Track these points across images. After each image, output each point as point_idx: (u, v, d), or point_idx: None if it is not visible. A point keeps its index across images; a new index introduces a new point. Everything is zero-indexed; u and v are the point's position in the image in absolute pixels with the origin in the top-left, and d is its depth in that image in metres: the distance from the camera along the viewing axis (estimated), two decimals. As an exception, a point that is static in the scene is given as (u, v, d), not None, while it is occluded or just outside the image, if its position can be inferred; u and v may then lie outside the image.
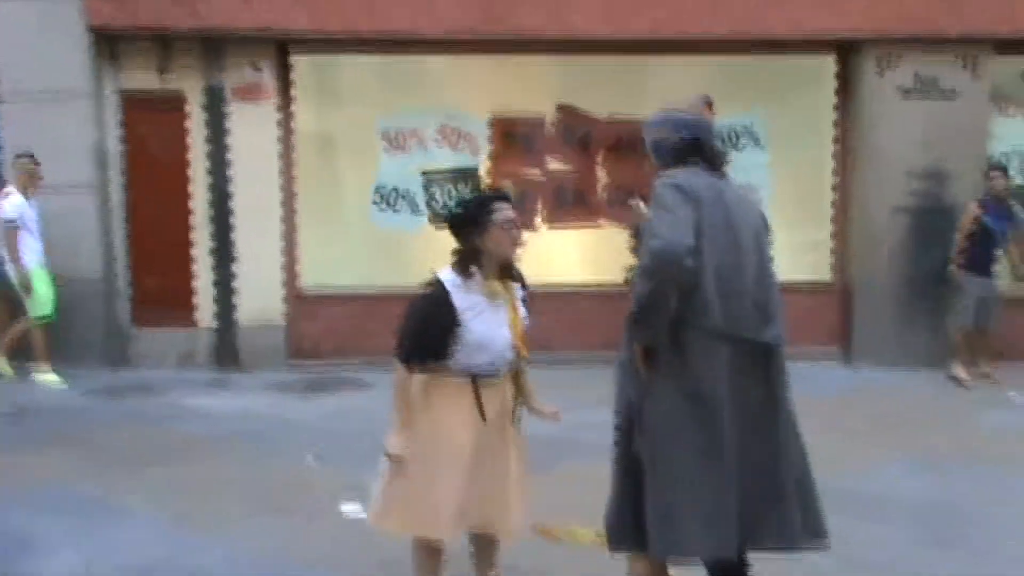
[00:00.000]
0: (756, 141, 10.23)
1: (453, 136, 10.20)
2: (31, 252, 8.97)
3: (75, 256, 9.44)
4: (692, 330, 3.25)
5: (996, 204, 9.22)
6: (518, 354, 3.90)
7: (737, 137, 10.18)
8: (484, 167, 10.23)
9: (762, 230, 3.46)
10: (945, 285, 9.56)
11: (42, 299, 9.02)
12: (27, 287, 8.91)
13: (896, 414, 8.08)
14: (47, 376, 9.05)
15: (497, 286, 3.79)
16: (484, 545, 4.15)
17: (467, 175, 10.21)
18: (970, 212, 9.26)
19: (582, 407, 7.95)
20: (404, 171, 10.14)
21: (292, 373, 9.52)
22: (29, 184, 8.99)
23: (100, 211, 9.49)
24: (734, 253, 3.30)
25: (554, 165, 10.27)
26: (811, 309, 10.18)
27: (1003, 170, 9.32)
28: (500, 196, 3.93)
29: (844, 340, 10.16)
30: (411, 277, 9.93)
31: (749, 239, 3.36)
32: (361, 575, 4.58)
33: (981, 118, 9.88)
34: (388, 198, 10.07)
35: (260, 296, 9.74)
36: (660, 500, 3.30)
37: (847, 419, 7.81)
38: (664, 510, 3.29)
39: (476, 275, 3.78)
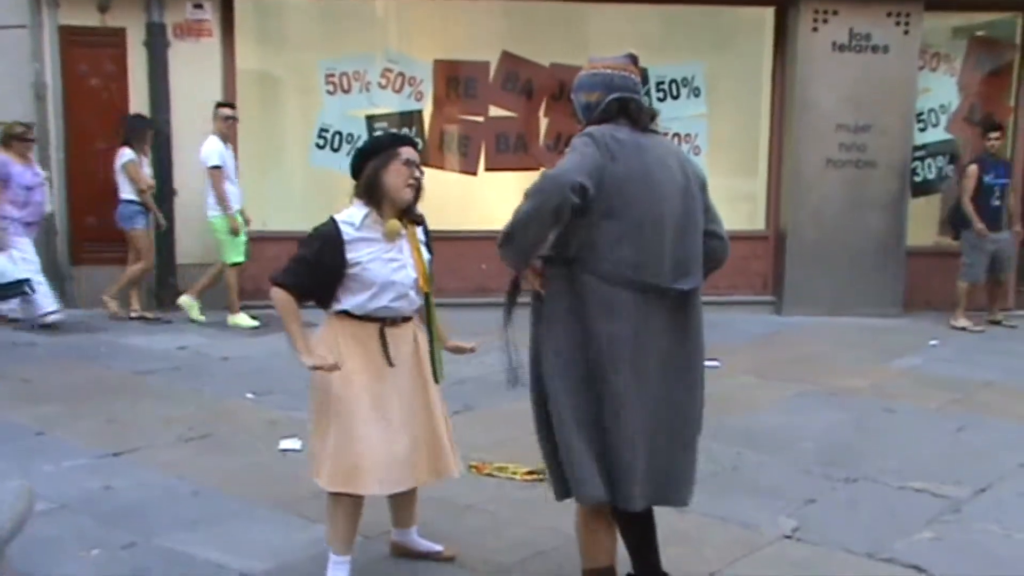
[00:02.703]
0: (695, 92, 10.38)
1: (396, 80, 10.22)
2: (230, 197, 9.06)
3: (12, 193, 9.38)
4: (592, 276, 3.28)
5: (994, 162, 9.74)
6: (424, 294, 3.88)
7: (676, 87, 10.33)
8: (427, 111, 10.28)
9: (692, 185, 3.44)
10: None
11: (237, 244, 9.12)
12: (235, 231, 9.07)
13: (811, 357, 8.41)
14: (239, 318, 9.20)
15: (396, 225, 3.77)
16: (403, 498, 4.08)
17: (410, 119, 10.25)
18: (971, 174, 9.75)
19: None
20: (347, 114, 10.15)
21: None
22: (228, 131, 9.11)
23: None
24: (652, 204, 3.30)
25: (496, 111, 10.35)
26: (745, 258, 10.44)
27: (1001, 129, 9.85)
28: (406, 139, 3.95)
29: (776, 288, 10.45)
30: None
31: (673, 194, 3.36)
32: (294, 506, 4.73)
33: (910, 74, 10.14)
34: (331, 141, 10.09)
35: (201, 236, 9.74)
36: (556, 445, 3.36)
37: (762, 362, 8.11)
38: (561, 454, 3.36)
39: (374, 214, 3.77)
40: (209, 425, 6.03)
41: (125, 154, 9.10)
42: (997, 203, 9.76)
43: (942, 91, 10.59)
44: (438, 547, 4.20)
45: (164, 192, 9.52)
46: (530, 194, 3.22)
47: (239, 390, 6.81)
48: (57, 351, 8.08)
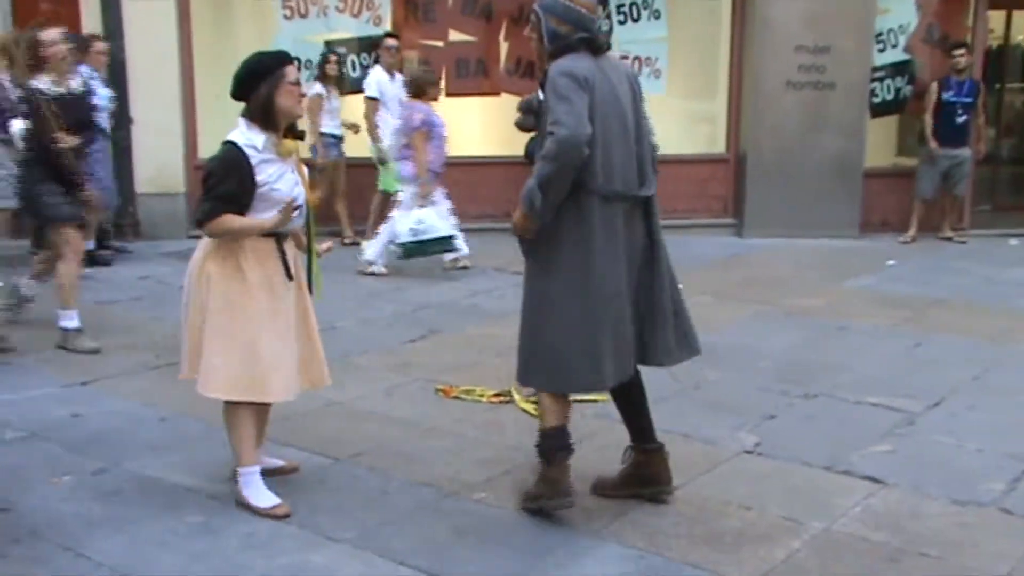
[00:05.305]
0: (655, 14, 10.31)
1: (355, 4, 10.07)
2: (388, 128, 8.90)
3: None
4: (592, 195, 3.69)
5: (958, 80, 9.85)
6: (309, 208, 4.00)
7: (637, 10, 10.25)
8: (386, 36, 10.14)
9: (637, 94, 3.89)
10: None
11: (390, 175, 8.94)
12: (383, 161, 8.94)
13: (769, 278, 8.53)
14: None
15: (294, 145, 3.90)
16: (260, 417, 4.10)
17: (369, 44, 10.12)
18: (931, 90, 9.96)
19: (481, 275, 8.24)
20: (304, 39, 10.00)
21: (193, 243, 9.49)
22: (392, 61, 9.07)
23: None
24: (620, 122, 3.75)
25: (456, 35, 10.23)
26: (706, 181, 10.49)
27: (966, 47, 9.92)
28: (290, 57, 4.01)
29: (736, 211, 10.52)
30: (303, 147, 9.69)
31: (629, 108, 3.81)
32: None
33: (870, -7, 10.13)
34: (289, 66, 9.93)
35: (159, 166, 9.63)
36: (552, 345, 3.78)
37: (721, 283, 8.21)
38: (558, 352, 3.77)
39: (274, 137, 3.84)
40: (173, 353, 5.95)
41: (313, 87, 9.17)
42: (960, 120, 9.88)
43: (901, 11, 10.57)
44: (280, 461, 4.29)
45: (121, 120, 9.36)
46: (549, 158, 3.58)
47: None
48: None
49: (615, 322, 3.77)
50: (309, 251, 4.07)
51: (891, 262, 9.20)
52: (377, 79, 9.10)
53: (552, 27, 3.78)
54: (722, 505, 4.05)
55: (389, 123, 8.96)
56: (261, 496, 3.94)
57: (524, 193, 3.67)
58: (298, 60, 9.86)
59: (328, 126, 9.29)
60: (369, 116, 9.08)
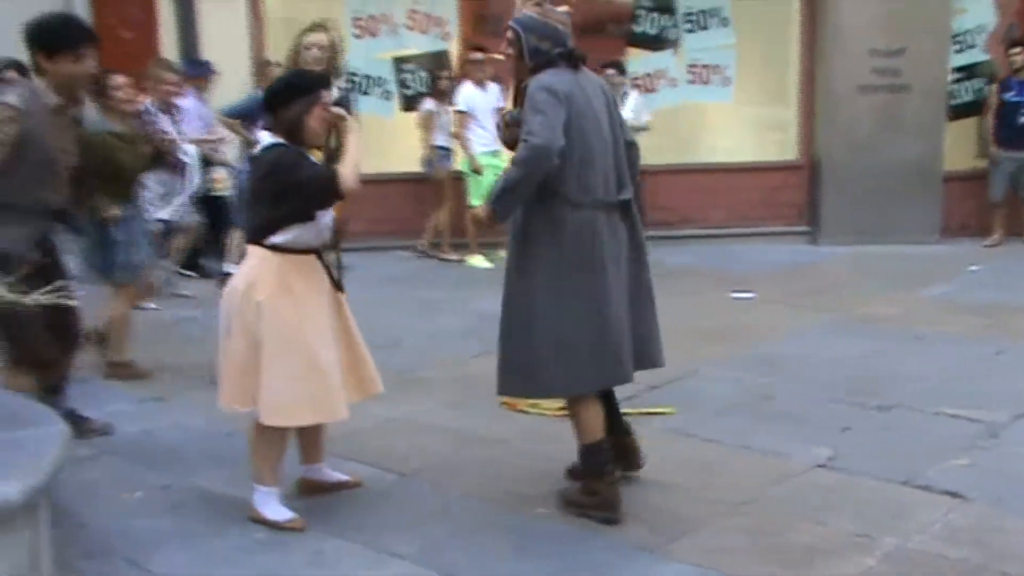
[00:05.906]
0: (723, 22, 10.20)
1: (423, 20, 10.15)
2: (478, 140, 9.21)
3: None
4: (566, 204, 3.82)
5: (1018, 80, 9.58)
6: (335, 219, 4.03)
7: (705, 18, 10.15)
8: (455, 51, 10.21)
9: (612, 106, 4.03)
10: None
11: (480, 187, 9.13)
12: (477, 171, 9.18)
13: (846, 286, 8.33)
14: (474, 259, 9.45)
15: (320, 156, 3.95)
16: (317, 433, 4.17)
17: (438, 59, 10.19)
18: (992, 91, 9.75)
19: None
20: (375, 57, 10.11)
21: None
22: (481, 75, 9.27)
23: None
24: (597, 134, 3.88)
25: (525, 49, 10.23)
26: (778, 188, 10.32)
27: (1023, 46, 9.63)
28: (327, 83, 4.01)
29: (811, 218, 10.33)
30: (386, 162, 9.81)
31: (604, 118, 3.95)
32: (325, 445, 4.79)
33: (946, -6, 9.89)
34: (360, 85, 10.06)
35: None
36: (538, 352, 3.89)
37: (796, 292, 8.03)
38: (547, 357, 3.88)
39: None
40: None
41: (425, 104, 9.57)
42: (1021, 121, 9.55)
43: (979, 10, 10.28)
44: (344, 476, 4.29)
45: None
46: (519, 163, 3.75)
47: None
48: (103, 296, 8.12)
49: (598, 326, 3.84)
50: (338, 260, 4.10)
51: (974, 267, 8.92)
52: (466, 93, 9.21)
53: (533, 43, 3.92)
54: (792, 520, 3.95)
55: (480, 135, 9.14)
56: (278, 512, 3.95)
57: (491, 193, 3.89)
58: (368, 78, 10.02)
59: (439, 139, 9.51)
60: (457, 127, 9.23)
